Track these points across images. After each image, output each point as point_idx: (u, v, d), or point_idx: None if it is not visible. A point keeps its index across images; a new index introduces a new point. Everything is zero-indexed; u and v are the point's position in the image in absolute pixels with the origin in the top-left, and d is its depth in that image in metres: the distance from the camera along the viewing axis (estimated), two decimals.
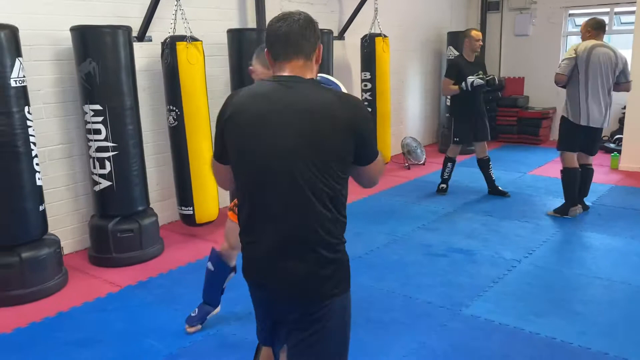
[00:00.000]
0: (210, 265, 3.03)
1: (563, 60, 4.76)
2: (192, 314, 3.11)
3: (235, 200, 2.82)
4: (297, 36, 1.63)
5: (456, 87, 5.31)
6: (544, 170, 6.73)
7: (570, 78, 4.65)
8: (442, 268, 3.87)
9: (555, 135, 8.60)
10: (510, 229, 4.64)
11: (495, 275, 3.73)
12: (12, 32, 3.38)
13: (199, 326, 3.08)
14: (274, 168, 1.59)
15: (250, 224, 1.69)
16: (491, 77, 5.27)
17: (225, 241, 3.00)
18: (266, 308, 1.80)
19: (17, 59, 3.39)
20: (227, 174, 1.75)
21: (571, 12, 8.44)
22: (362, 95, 6.54)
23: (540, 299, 3.40)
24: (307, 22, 1.66)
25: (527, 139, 8.44)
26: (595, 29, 4.67)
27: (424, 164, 7.22)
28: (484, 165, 5.62)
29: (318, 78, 2.07)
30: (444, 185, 5.79)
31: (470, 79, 5.22)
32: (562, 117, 4.87)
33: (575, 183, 4.84)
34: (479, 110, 5.51)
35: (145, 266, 4.04)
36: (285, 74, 1.64)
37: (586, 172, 4.89)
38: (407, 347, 2.88)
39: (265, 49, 1.70)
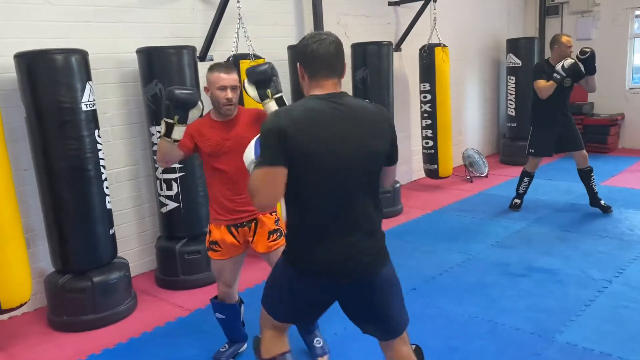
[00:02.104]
0: (219, 315, 2.96)
1: None
2: (222, 349, 3.02)
3: (208, 237, 2.85)
4: (333, 58, 1.89)
5: (550, 82, 4.81)
6: (618, 180, 6.33)
7: None
8: (525, 289, 3.62)
9: (624, 142, 8.18)
10: (593, 246, 4.33)
11: (585, 297, 3.45)
12: (82, 57, 3.39)
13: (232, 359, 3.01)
14: (343, 172, 1.85)
15: (324, 224, 1.89)
16: (588, 52, 4.73)
17: (220, 284, 2.91)
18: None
19: (87, 83, 3.40)
20: (282, 180, 1.82)
21: (638, 12, 8.00)
22: (421, 107, 6.36)
23: None
24: (339, 45, 1.92)
25: (594, 148, 8.00)
26: None
27: (486, 176, 6.94)
28: (584, 176, 5.12)
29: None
30: (517, 201, 5.43)
31: (559, 65, 4.76)
32: None
33: None
34: (565, 117, 5.05)
35: (213, 288, 3.93)
36: (326, 91, 1.88)
37: None
38: None
39: (300, 65, 1.93)
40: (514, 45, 7.55)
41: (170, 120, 2.52)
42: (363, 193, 1.90)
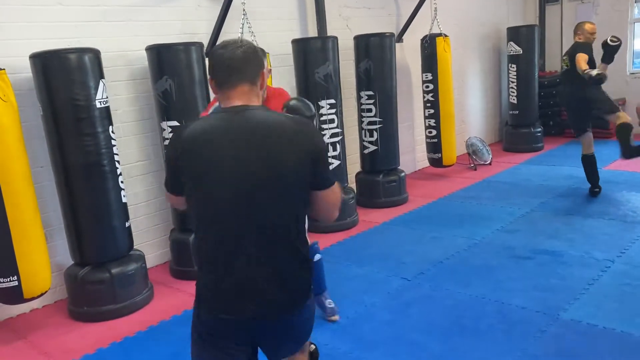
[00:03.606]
0: None
1: None
2: None
3: None
4: (240, 62, 1.64)
5: (587, 67, 4.73)
6: (620, 164, 6.39)
7: None
8: (530, 271, 3.72)
9: None
10: (596, 228, 4.43)
11: (589, 276, 3.55)
12: (95, 55, 3.49)
13: None
14: (237, 198, 1.59)
15: (216, 255, 1.65)
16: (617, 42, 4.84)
17: None
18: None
19: (100, 81, 3.50)
20: (181, 201, 1.75)
21: None
22: (423, 97, 6.44)
23: None
24: (249, 49, 1.67)
25: (597, 133, 7.96)
26: None
27: (490, 163, 7.02)
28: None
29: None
30: (596, 190, 5.29)
31: (594, 71, 4.69)
32: None
33: None
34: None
35: None
36: (233, 103, 1.64)
37: None
38: (509, 355, 2.76)
39: (209, 77, 1.70)
40: (514, 34, 7.61)
41: None
42: (268, 225, 1.60)
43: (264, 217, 1.60)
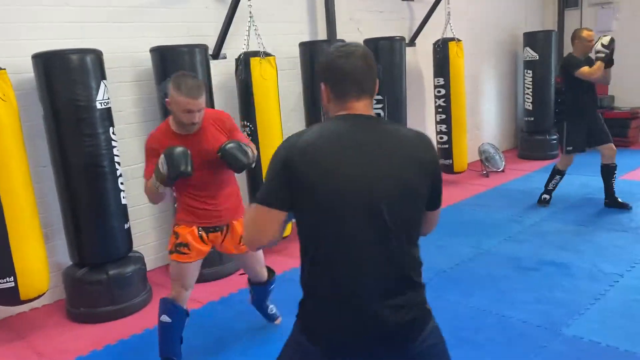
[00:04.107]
0: (165, 318, 2.79)
1: None
2: None
3: (174, 240, 2.73)
4: (363, 76, 1.56)
5: (597, 64, 4.61)
6: (637, 174, 6.24)
7: None
8: (535, 283, 3.62)
9: None
10: (607, 240, 4.29)
11: (595, 290, 3.43)
12: (97, 56, 3.49)
13: None
14: (361, 213, 1.46)
15: (338, 280, 1.50)
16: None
17: (176, 285, 2.82)
18: None
19: (101, 82, 3.50)
20: (276, 223, 1.53)
21: None
22: (435, 102, 6.35)
23: None
24: (370, 58, 1.58)
25: (615, 141, 7.85)
26: None
27: (503, 171, 6.90)
28: (608, 173, 5.03)
29: None
30: (546, 196, 5.26)
31: (597, 45, 4.62)
32: None
33: None
34: (595, 109, 4.99)
35: (226, 281, 4.05)
36: (351, 112, 1.55)
37: None
38: None
39: (324, 84, 1.59)
40: (531, 39, 7.47)
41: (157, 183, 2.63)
42: (392, 242, 1.48)
43: (394, 235, 1.48)
